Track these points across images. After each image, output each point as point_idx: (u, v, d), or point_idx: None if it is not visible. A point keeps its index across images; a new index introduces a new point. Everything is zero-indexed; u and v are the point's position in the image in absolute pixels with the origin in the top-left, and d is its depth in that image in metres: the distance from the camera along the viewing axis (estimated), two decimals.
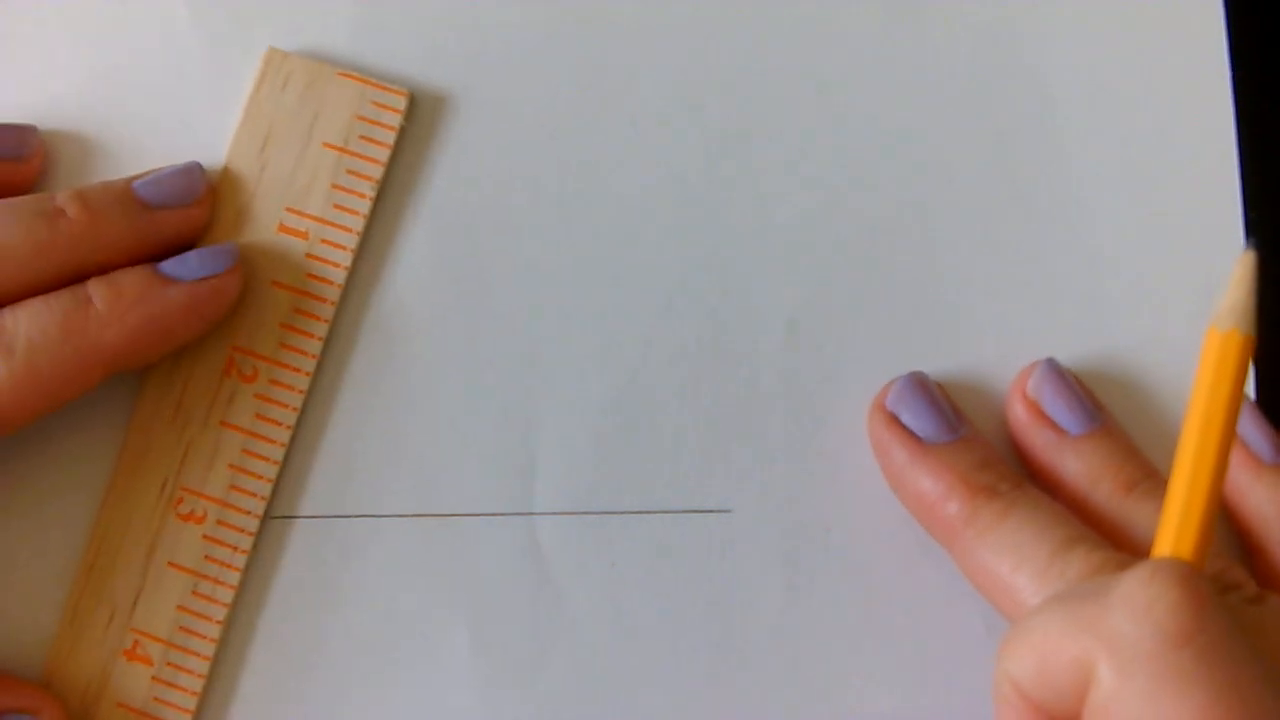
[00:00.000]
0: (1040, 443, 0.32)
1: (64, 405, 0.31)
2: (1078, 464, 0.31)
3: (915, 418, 0.32)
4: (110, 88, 0.34)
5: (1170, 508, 0.26)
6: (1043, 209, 0.34)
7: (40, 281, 0.31)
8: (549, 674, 0.34)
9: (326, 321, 0.33)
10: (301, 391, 0.33)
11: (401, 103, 0.33)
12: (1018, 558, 0.29)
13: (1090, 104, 0.34)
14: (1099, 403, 0.32)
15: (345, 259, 0.33)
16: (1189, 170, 0.34)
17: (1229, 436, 0.25)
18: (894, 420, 0.32)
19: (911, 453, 0.31)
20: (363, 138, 0.33)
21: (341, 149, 0.33)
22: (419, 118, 0.34)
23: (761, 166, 0.34)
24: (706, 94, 0.34)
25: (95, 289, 0.31)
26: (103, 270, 0.31)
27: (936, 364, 0.33)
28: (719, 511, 0.34)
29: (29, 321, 0.30)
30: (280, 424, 0.33)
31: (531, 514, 0.34)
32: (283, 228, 0.33)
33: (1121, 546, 0.29)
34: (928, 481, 0.31)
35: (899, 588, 0.33)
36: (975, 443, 0.31)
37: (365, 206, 0.33)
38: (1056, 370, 0.32)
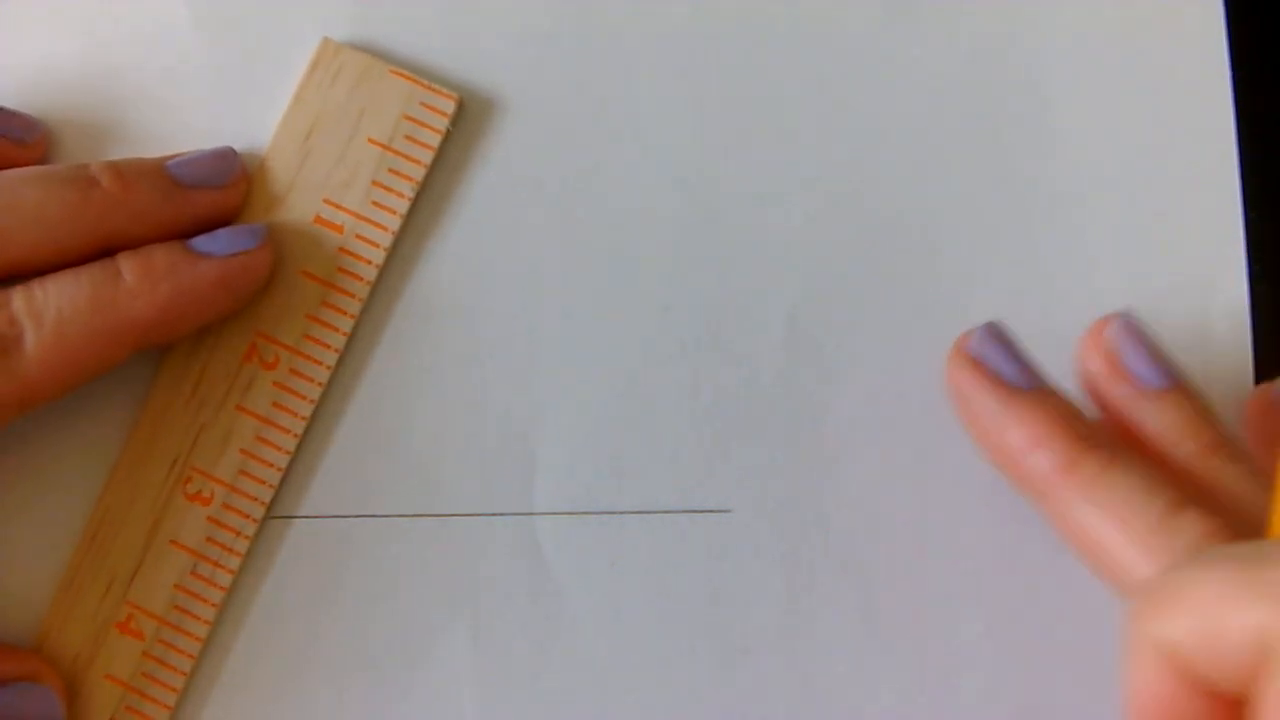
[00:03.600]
0: (1119, 396, 0.30)
1: (91, 379, 0.31)
2: (1160, 420, 0.30)
3: (1004, 363, 0.30)
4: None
5: None
6: (1042, 209, 0.34)
7: (70, 249, 0.31)
8: (549, 674, 0.33)
9: (353, 317, 0.34)
10: (321, 384, 0.34)
11: (450, 106, 0.34)
12: (1126, 513, 0.27)
13: (1090, 104, 0.34)
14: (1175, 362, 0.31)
15: (378, 256, 0.34)
16: (1189, 170, 0.34)
17: None
18: (979, 365, 0.30)
19: (1001, 398, 0.30)
20: (408, 137, 0.34)
21: (386, 146, 0.34)
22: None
23: (760, 166, 0.35)
24: (706, 95, 0.35)
25: (125, 262, 0.31)
26: (133, 245, 0.32)
27: (936, 363, 0.33)
28: (719, 511, 0.34)
29: (59, 293, 0.30)
30: (296, 414, 0.34)
31: (532, 514, 0.34)
32: (319, 219, 0.34)
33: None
34: (1019, 430, 0.29)
35: (899, 587, 0.33)
36: (1061, 395, 0.30)
37: (403, 206, 0.34)
38: (1135, 324, 0.31)
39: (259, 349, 0.34)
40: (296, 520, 0.34)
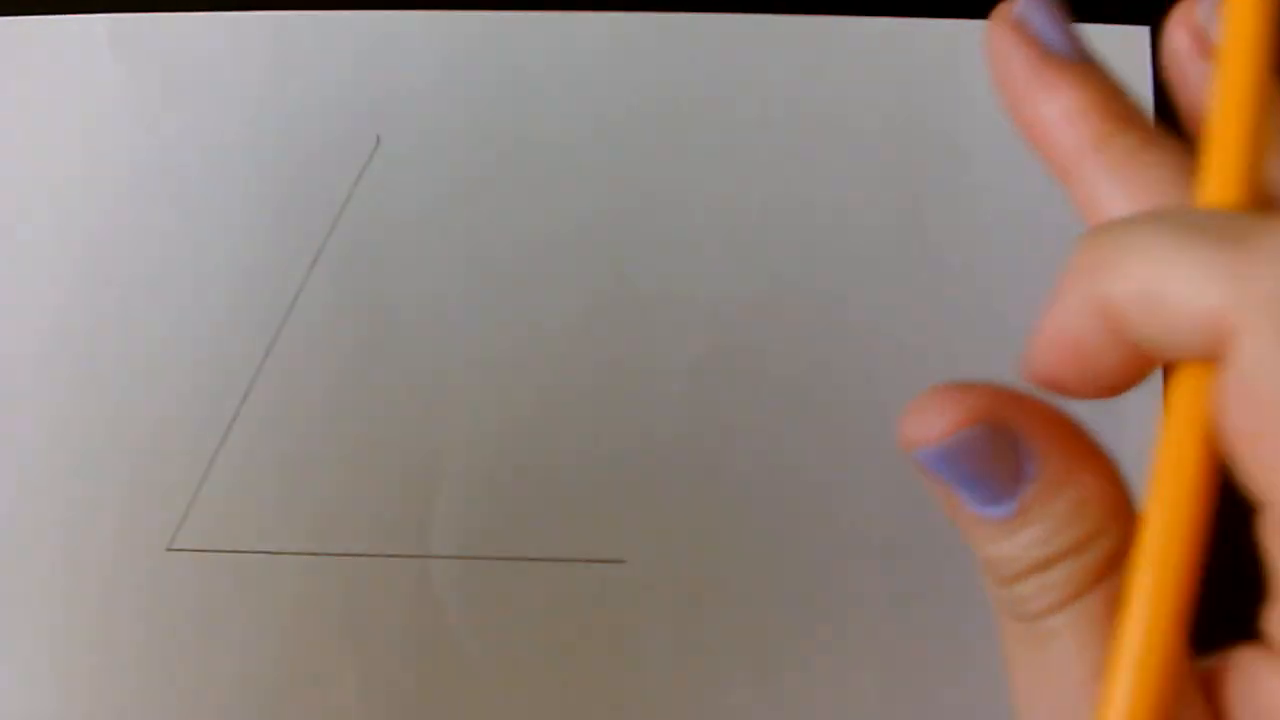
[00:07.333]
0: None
1: None
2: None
3: (1048, 28, 0.27)
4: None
5: None
6: (951, 269, 0.34)
7: None
8: (438, 717, 0.33)
9: None
10: None
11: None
12: (1156, 197, 0.25)
13: (1010, 141, 0.34)
14: None
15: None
16: None
17: None
18: (1021, 27, 0.27)
19: (1039, 64, 0.27)
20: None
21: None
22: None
23: (665, 217, 0.35)
24: (617, 146, 0.35)
25: None
26: None
27: (837, 422, 0.33)
28: (613, 561, 0.33)
29: None
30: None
31: (426, 557, 0.33)
32: None
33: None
34: (1053, 102, 0.26)
35: (791, 645, 0.33)
36: (1103, 69, 0.27)
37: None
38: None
39: None
40: (190, 553, 0.33)
